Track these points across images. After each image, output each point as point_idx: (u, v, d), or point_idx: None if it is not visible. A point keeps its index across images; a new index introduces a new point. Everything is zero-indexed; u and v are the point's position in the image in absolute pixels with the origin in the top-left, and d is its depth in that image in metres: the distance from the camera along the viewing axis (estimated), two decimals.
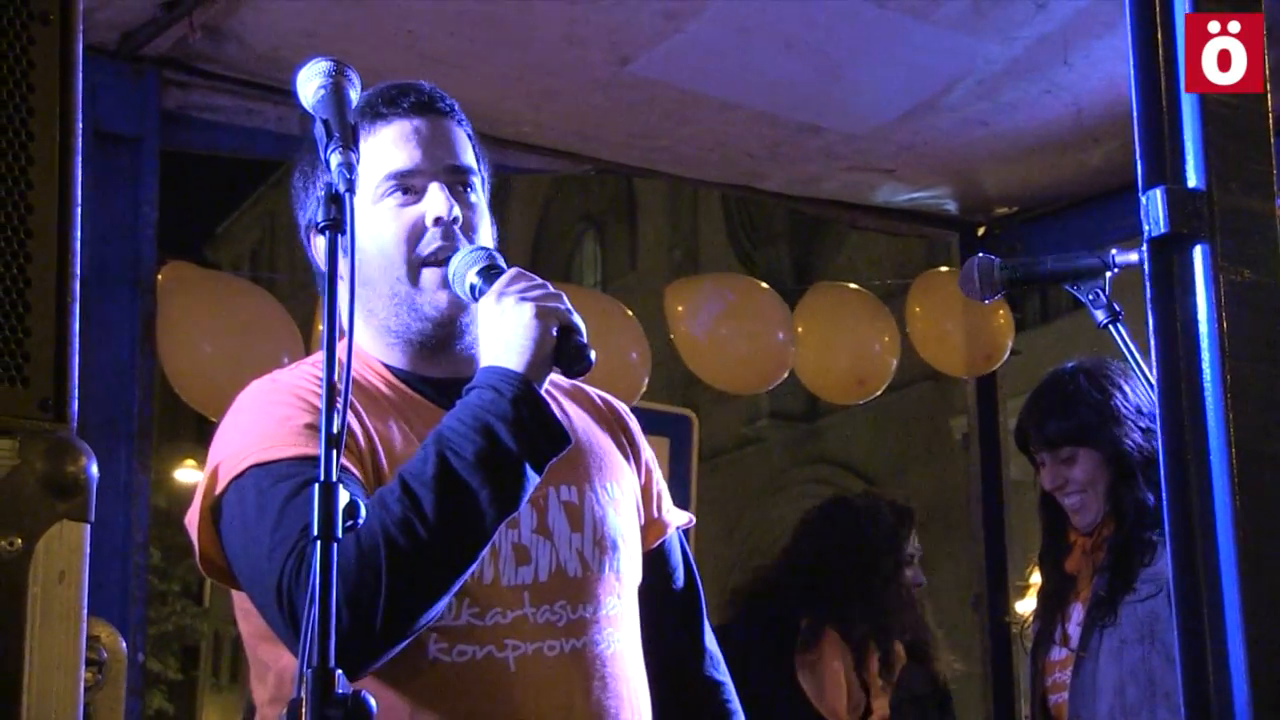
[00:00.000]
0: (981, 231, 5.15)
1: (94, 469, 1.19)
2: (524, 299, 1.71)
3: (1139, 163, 1.39)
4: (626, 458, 2.00)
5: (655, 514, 2.03)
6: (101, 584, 3.19)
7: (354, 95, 1.71)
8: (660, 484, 2.06)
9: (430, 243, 1.85)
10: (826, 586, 3.72)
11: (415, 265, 1.85)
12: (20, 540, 1.12)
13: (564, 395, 1.99)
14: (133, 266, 3.59)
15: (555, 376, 1.98)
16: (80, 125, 1.24)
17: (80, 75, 1.24)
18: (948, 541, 14.55)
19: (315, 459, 1.64)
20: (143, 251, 3.62)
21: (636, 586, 1.94)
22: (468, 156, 1.93)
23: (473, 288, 1.79)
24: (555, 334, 1.70)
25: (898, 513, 3.92)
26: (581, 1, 3.50)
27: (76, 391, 1.22)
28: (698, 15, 3.57)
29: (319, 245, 1.94)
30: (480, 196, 1.93)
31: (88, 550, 1.18)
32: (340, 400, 1.44)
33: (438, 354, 1.88)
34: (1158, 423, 1.34)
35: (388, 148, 1.88)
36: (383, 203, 1.87)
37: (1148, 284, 1.37)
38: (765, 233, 18.49)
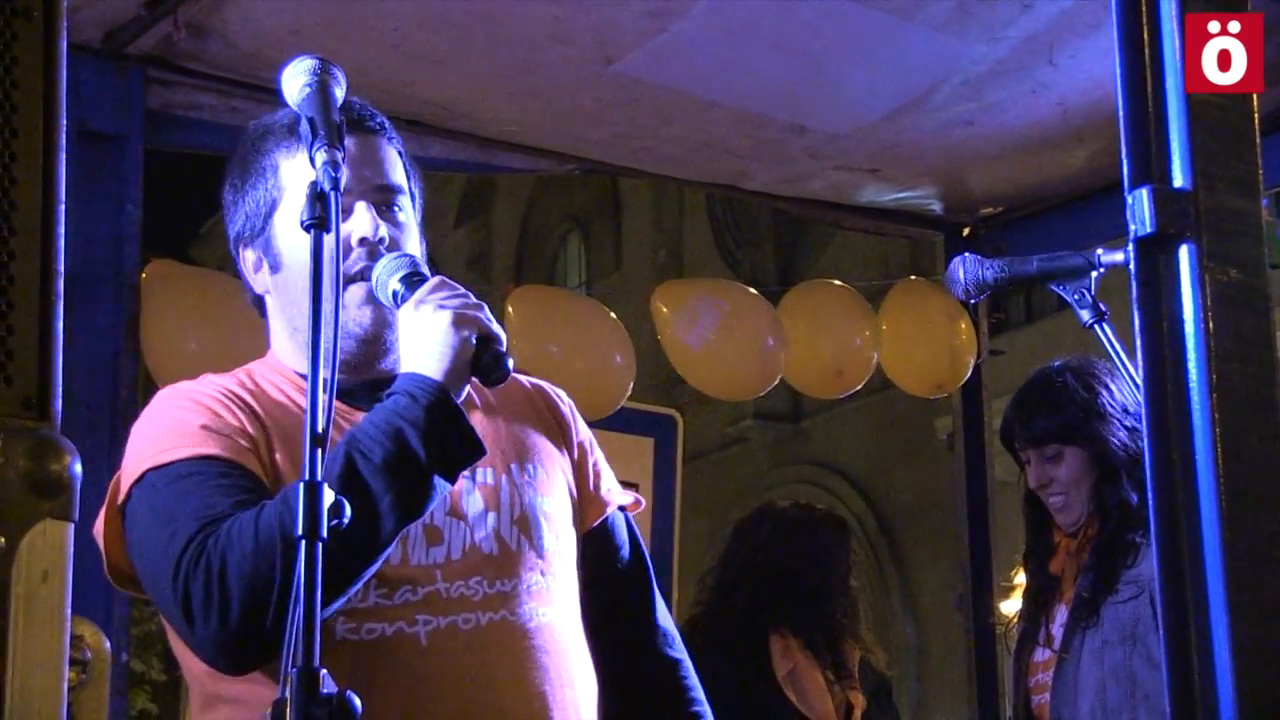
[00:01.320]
0: (967, 231, 5.15)
1: (78, 467, 1.19)
2: (442, 307, 1.72)
3: (1125, 163, 1.39)
4: (556, 441, 2.01)
5: (592, 491, 2.03)
6: (85, 583, 3.17)
7: (339, 93, 1.72)
8: (600, 464, 2.06)
9: (356, 262, 1.86)
10: (787, 594, 3.80)
11: (341, 283, 1.84)
12: (3, 539, 1.12)
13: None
14: (116, 265, 3.57)
15: None
16: (65, 122, 1.23)
17: (64, 71, 1.24)
18: (932, 541, 14.60)
19: (210, 458, 1.74)
20: (126, 250, 3.60)
21: (567, 565, 1.93)
22: (396, 175, 1.94)
23: (395, 294, 1.81)
24: (474, 342, 1.71)
25: (835, 520, 4.05)
26: (566, 1, 3.49)
27: (60, 389, 1.21)
28: (682, 15, 3.57)
29: (249, 259, 1.97)
30: (409, 215, 1.94)
31: (71, 549, 1.17)
32: (326, 402, 1.45)
33: (360, 369, 1.89)
34: (1143, 423, 1.35)
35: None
36: None
37: (1134, 284, 1.37)
38: (750, 233, 18.52)
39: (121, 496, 1.77)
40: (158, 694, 22.76)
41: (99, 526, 1.81)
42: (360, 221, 1.87)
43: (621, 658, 2.00)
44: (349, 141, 1.87)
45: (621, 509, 2.08)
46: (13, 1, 1.19)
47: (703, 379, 4.79)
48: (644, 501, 2.12)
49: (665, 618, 2.09)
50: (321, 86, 1.70)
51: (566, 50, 3.73)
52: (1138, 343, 1.37)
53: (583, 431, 2.06)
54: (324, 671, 1.38)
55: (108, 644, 2.28)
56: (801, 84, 4.01)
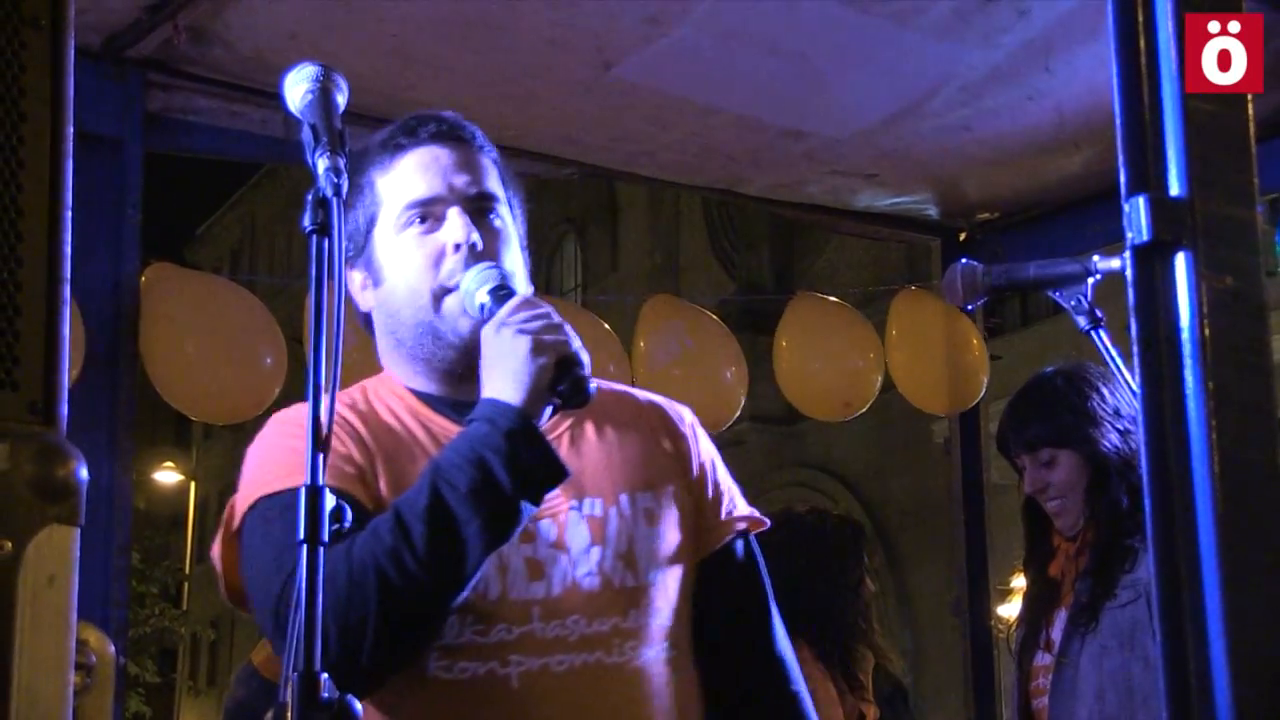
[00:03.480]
0: (963, 237, 5.17)
1: (83, 472, 1.20)
2: (522, 331, 1.71)
3: (1122, 171, 1.40)
4: (673, 464, 1.95)
5: (716, 517, 1.96)
6: (83, 587, 3.18)
7: (341, 100, 1.72)
8: (723, 485, 1.99)
9: (451, 270, 1.85)
10: (799, 602, 3.80)
11: (438, 294, 1.85)
12: (10, 544, 1.12)
13: (602, 405, 1.93)
14: (115, 268, 3.58)
15: (600, 381, 1.95)
16: (71, 130, 1.24)
17: (71, 80, 1.25)
18: (928, 545, 14.61)
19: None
20: (125, 253, 3.61)
21: (674, 600, 1.87)
22: (490, 183, 1.92)
23: (482, 306, 1.80)
24: (554, 367, 1.70)
25: (852, 526, 4.05)
26: (565, 6, 3.50)
27: (66, 395, 1.22)
28: (681, 20, 3.58)
29: (355, 280, 1.95)
30: (506, 222, 1.92)
31: (77, 554, 1.18)
32: (327, 407, 1.46)
33: (465, 380, 1.85)
34: (1140, 430, 1.35)
35: (408, 177, 1.89)
36: (405, 233, 1.88)
37: (1131, 291, 1.37)
38: (746, 236, 18.53)
39: (236, 522, 1.80)
40: (151, 696, 22.79)
41: (216, 550, 1.84)
42: (453, 228, 1.86)
43: (737, 690, 1.95)
44: (441, 151, 1.90)
45: (744, 532, 2.00)
46: (20, 10, 1.20)
47: None
48: (767, 522, 2.03)
49: (784, 647, 2.00)
50: (323, 93, 1.70)
51: (565, 55, 3.74)
52: (1134, 350, 1.37)
53: (704, 451, 1.99)
54: (325, 676, 1.38)
55: (111, 648, 2.28)
56: (799, 89, 4.02)
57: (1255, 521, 1.29)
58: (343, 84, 1.73)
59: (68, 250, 1.22)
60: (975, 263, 2.46)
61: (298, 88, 1.71)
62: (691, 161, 4.50)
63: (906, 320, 5.08)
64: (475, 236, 1.85)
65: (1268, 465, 1.31)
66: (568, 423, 1.90)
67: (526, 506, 1.68)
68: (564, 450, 1.85)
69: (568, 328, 1.74)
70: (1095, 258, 2.29)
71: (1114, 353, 2.28)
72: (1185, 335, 1.33)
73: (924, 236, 5.31)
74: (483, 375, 1.74)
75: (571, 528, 1.82)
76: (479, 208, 1.89)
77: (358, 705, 1.39)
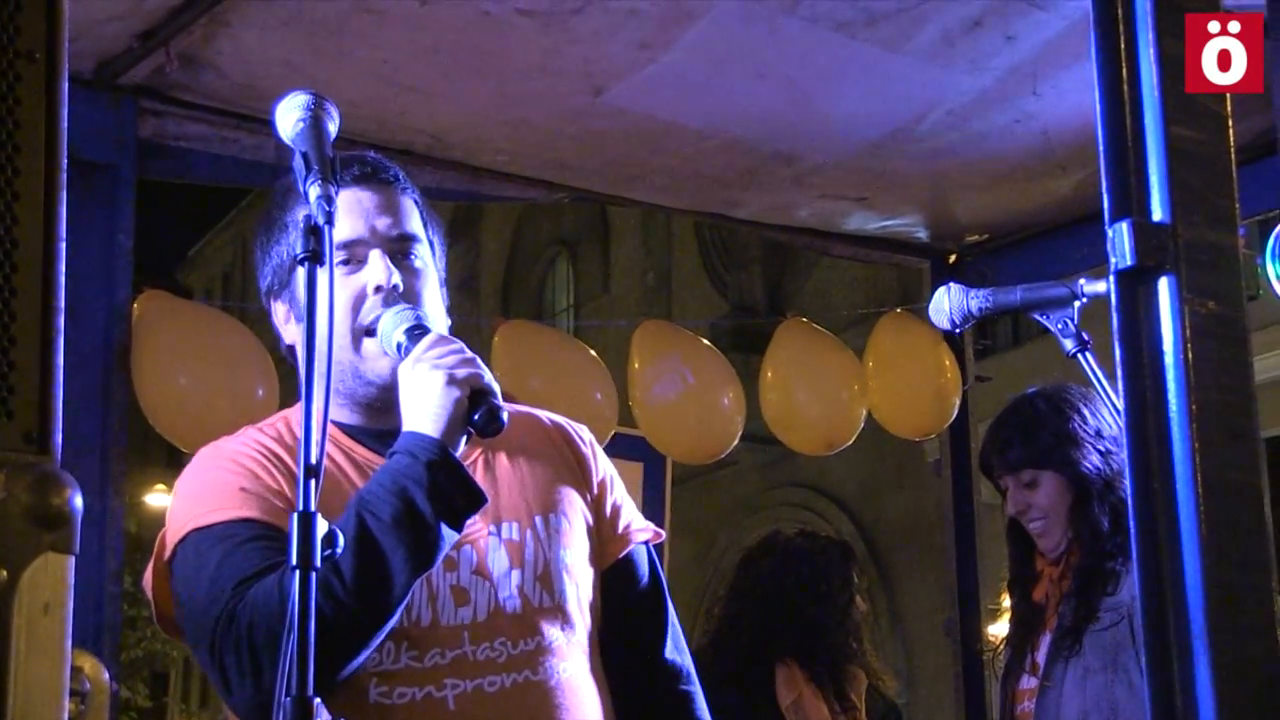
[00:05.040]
0: (953, 259, 5.19)
1: (78, 501, 1.21)
2: (436, 366, 1.79)
3: (1106, 197, 1.42)
4: (577, 482, 2.05)
5: (614, 530, 2.07)
6: (76, 614, 3.17)
7: (332, 128, 1.75)
8: (622, 500, 2.10)
9: (371, 311, 1.92)
10: (789, 624, 3.82)
11: (358, 334, 1.93)
12: (5, 572, 1.14)
13: (511, 429, 2.01)
14: (107, 295, 3.58)
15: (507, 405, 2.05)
16: (65, 162, 1.26)
17: (66, 112, 1.27)
18: (921, 565, 14.59)
19: (247, 521, 1.82)
20: (118, 280, 3.61)
21: (587, 615, 1.98)
22: (412, 224, 1.99)
23: (399, 346, 1.87)
24: (468, 400, 1.78)
25: (840, 548, 4.07)
26: (556, 32, 3.52)
27: (60, 424, 1.23)
28: (671, 46, 3.60)
29: (279, 312, 2.02)
30: (426, 262, 1.99)
31: (72, 582, 1.19)
32: (319, 433, 1.48)
33: (384, 413, 1.94)
34: (1125, 452, 1.36)
35: None
36: None
37: (1115, 316, 1.39)
38: (738, 256, 18.53)
39: (168, 553, 1.87)
40: None
41: (148, 579, 1.92)
42: (374, 270, 1.92)
43: (631, 691, 2.04)
44: (364, 194, 1.95)
45: (643, 543, 2.10)
46: (16, 44, 1.22)
47: (660, 440, 4.86)
48: (664, 534, 2.15)
49: (677, 651, 2.10)
50: (315, 121, 1.73)
51: (556, 81, 3.75)
52: (1119, 373, 1.39)
53: (603, 469, 2.10)
54: (318, 701, 1.40)
55: (106, 675, 2.29)
56: (789, 114, 4.04)
57: (1239, 542, 1.31)
58: (334, 112, 1.76)
59: (62, 280, 1.24)
60: (962, 286, 2.47)
61: (290, 116, 1.75)
62: (682, 186, 4.52)
63: (886, 346, 5.11)
64: (396, 279, 1.92)
65: (1251, 486, 1.33)
66: (480, 449, 1.98)
67: (448, 533, 1.76)
68: (478, 476, 1.93)
69: (479, 361, 1.82)
70: (1082, 281, 2.31)
71: (1101, 375, 2.29)
72: (1169, 359, 1.35)
73: (914, 259, 5.33)
74: (402, 409, 1.82)
75: (491, 553, 1.91)
76: (400, 249, 1.96)
77: None
